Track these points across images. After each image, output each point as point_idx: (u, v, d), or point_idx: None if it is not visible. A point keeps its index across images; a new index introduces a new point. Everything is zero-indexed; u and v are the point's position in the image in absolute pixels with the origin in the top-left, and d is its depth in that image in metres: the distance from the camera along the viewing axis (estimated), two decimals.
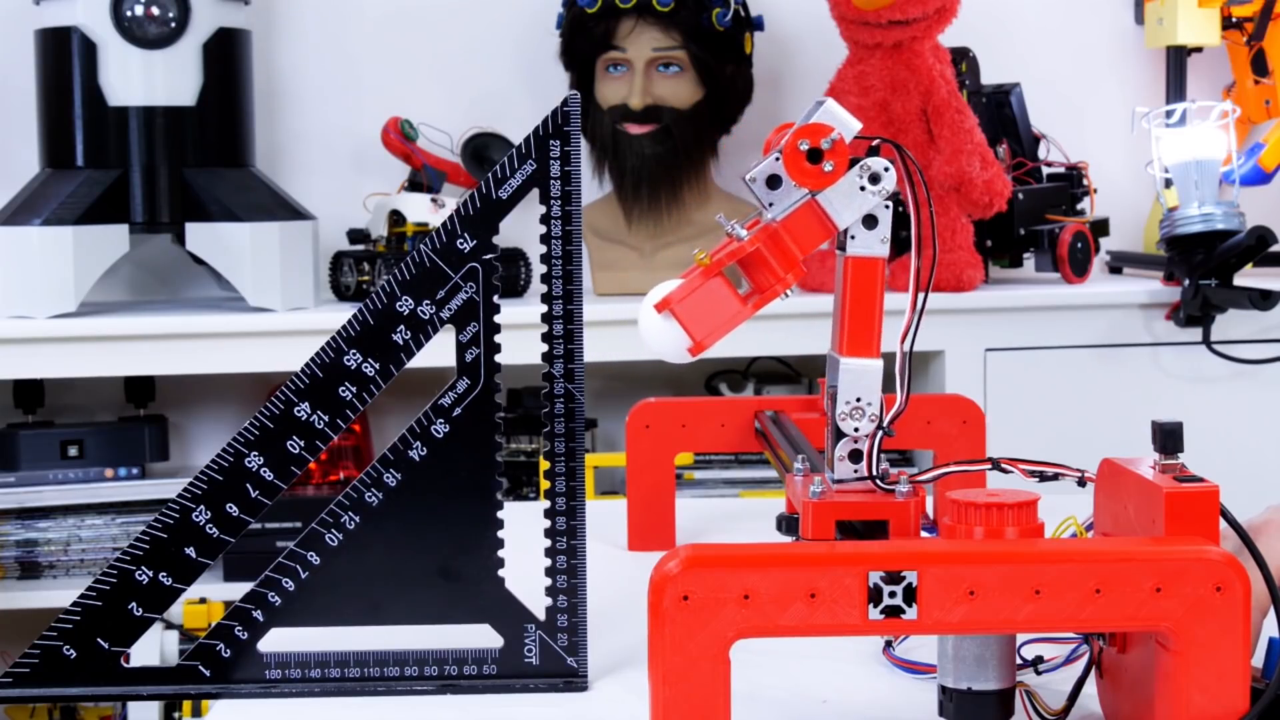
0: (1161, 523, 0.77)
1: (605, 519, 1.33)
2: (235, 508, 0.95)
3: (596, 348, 1.26)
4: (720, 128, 2.54)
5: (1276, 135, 2.51)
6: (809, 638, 0.76)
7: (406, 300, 0.95)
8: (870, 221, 0.93)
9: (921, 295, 0.93)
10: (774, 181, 0.91)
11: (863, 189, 0.92)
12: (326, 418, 0.95)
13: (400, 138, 2.51)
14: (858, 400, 0.94)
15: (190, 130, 2.36)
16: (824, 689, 0.95)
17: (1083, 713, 0.85)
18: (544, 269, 0.96)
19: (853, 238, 0.93)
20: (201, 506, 0.95)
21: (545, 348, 0.95)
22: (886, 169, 0.92)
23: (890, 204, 0.93)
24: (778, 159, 0.90)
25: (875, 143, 0.93)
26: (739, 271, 0.91)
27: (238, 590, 1.38)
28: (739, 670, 0.75)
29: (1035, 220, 2.50)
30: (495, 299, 0.96)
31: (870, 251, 0.93)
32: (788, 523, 1.03)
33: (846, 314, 0.94)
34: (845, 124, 0.91)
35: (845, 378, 0.94)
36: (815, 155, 0.90)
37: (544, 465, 1.06)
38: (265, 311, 2.34)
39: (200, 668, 0.96)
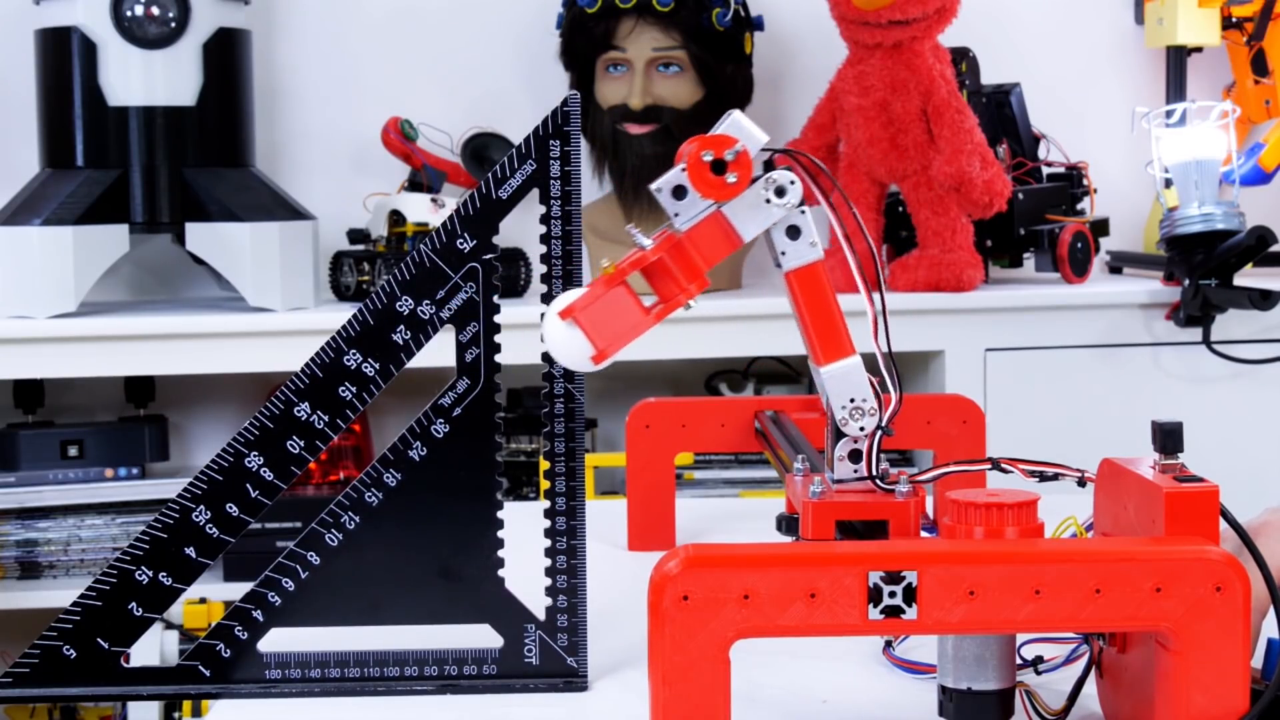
0: (1161, 523, 0.77)
1: (605, 519, 1.33)
2: (235, 508, 0.95)
3: None
4: None
5: (1276, 135, 2.51)
6: (809, 638, 0.76)
7: (406, 300, 0.95)
8: (793, 232, 0.93)
9: (878, 293, 0.93)
10: (680, 192, 0.91)
11: (768, 202, 0.92)
12: (326, 418, 0.95)
13: (400, 138, 2.51)
14: (851, 401, 0.94)
15: (190, 130, 2.36)
16: (824, 689, 0.95)
17: (1083, 713, 0.85)
18: (544, 269, 0.96)
19: (783, 253, 0.93)
20: (201, 506, 0.95)
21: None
22: (792, 182, 0.92)
23: (805, 210, 0.92)
24: (683, 170, 0.90)
25: (768, 155, 0.92)
26: (644, 281, 0.91)
27: (238, 590, 1.38)
28: (739, 670, 0.75)
29: (1035, 220, 2.50)
30: (495, 299, 0.96)
31: (805, 259, 0.93)
32: (788, 523, 1.03)
33: (808, 326, 0.94)
34: (751, 136, 0.90)
35: (831, 385, 0.94)
36: (719, 167, 0.90)
37: (544, 465, 1.06)
38: (265, 311, 2.34)
39: (200, 668, 0.96)
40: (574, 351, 0.89)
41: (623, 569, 1.21)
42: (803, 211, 0.92)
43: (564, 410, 0.96)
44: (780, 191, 0.92)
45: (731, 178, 0.90)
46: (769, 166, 0.93)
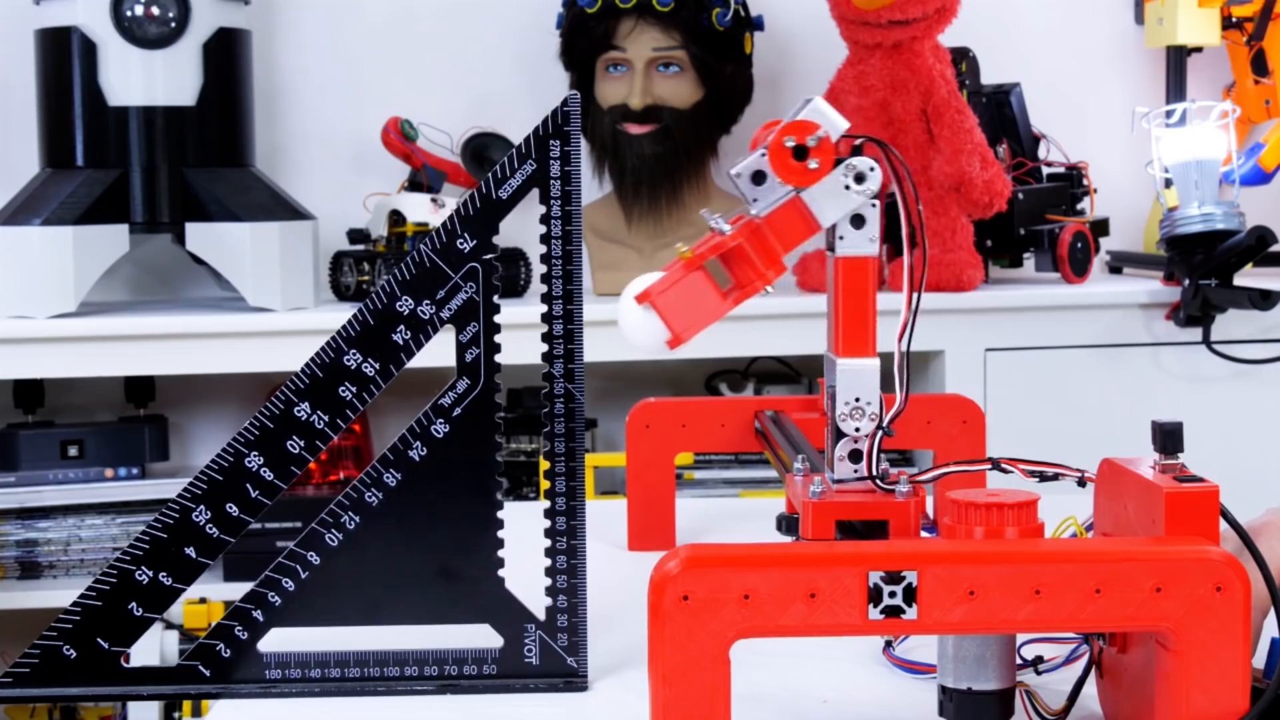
0: (1161, 523, 0.77)
1: (605, 519, 1.33)
2: (235, 508, 0.95)
3: (596, 348, 1.26)
4: (720, 128, 2.54)
5: (1276, 135, 2.51)
6: (809, 638, 0.76)
7: (406, 300, 0.95)
8: (858, 221, 0.93)
9: (916, 295, 0.93)
10: (759, 178, 0.91)
11: (847, 188, 0.92)
12: (326, 418, 0.95)
13: (400, 138, 2.51)
14: (857, 400, 0.94)
15: (190, 130, 2.36)
16: (824, 689, 0.95)
17: (1083, 713, 0.85)
18: (544, 269, 0.96)
19: (841, 238, 0.93)
20: (201, 506, 0.95)
21: (545, 348, 0.95)
22: (872, 169, 0.92)
23: (875, 203, 0.93)
24: (764, 155, 0.91)
25: (859, 142, 0.93)
26: (721, 266, 0.91)
27: (238, 590, 1.38)
28: (739, 670, 0.75)
29: (1035, 220, 2.50)
30: (495, 299, 0.96)
31: (860, 251, 0.93)
32: (788, 523, 1.03)
33: (840, 314, 0.94)
34: (832, 122, 0.91)
35: (843, 378, 0.94)
36: (801, 152, 0.90)
37: (544, 465, 1.06)
38: (265, 311, 2.34)
39: (200, 668, 0.96)
40: (650, 335, 0.90)
41: (623, 569, 1.21)
42: (874, 205, 0.92)
43: (564, 410, 0.96)
44: (860, 178, 0.92)
45: (813, 164, 0.90)
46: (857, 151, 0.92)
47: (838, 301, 0.94)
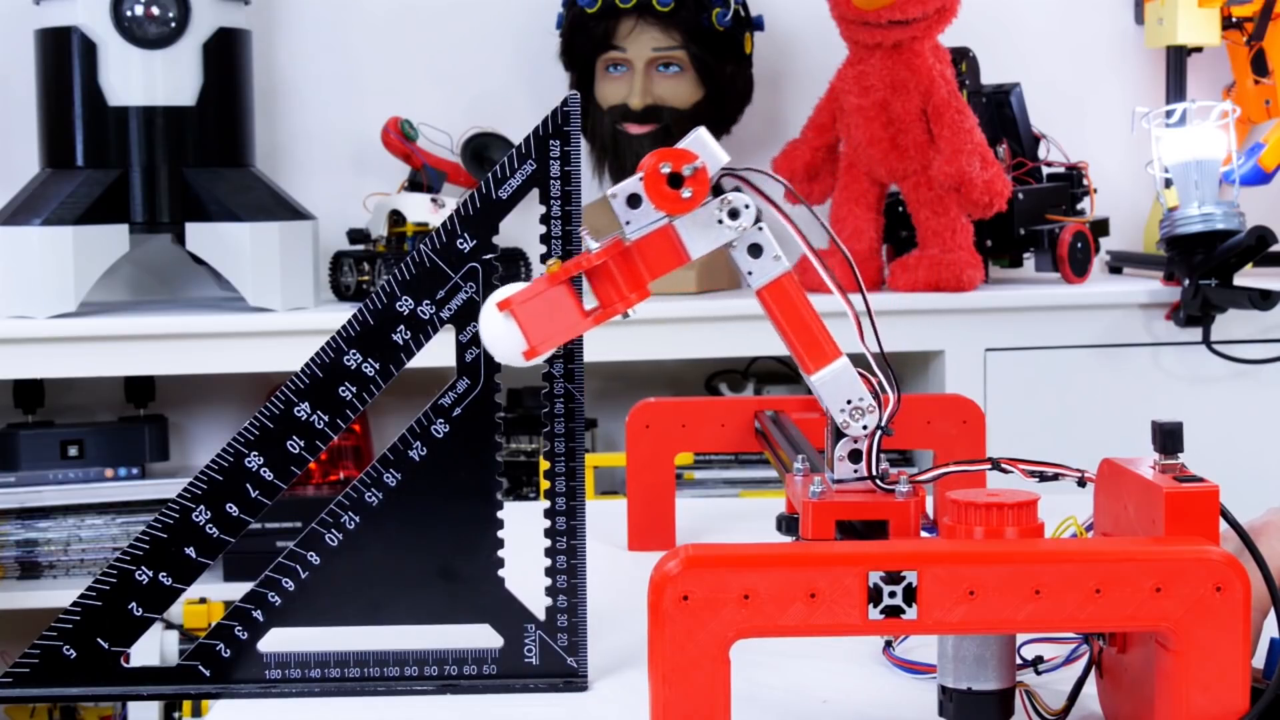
0: (1161, 523, 0.77)
1: (605, 519, 1.33)
2: (235, 508, 0.95)
3: (596, 348, 1.26)
4: (720, 128, 2.54)
5: (1276, 135, 2.51)
6: (809, 638, 0.76)
7: (406, 300, 0.95)
8: (755, 250, 0.93)
9: (859, 297, 0.93)
10: (634, 201, 0.92)
11: (720, 222, 0.92)
12: (326, 418, 0.95)
13: (400, 138, 2.51)
14: (849, 402, 0.94)
15: (190, 130, 2.36)
16: (824, 689, 0.95)
17: (1083, 713, 0.85)
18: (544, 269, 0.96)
19: (750, 273, 0.93)
20: (201, 506, 0.95)
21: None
22: (747, 206, 0.92)
23: (762, 226, 0.92)
24: (640, 179, 0.90)
25: (722, 176, 0.92)
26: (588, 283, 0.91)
27: (238, 590, 1.38)
28: (739, 670, 0.75)
29: (1035, 220, 2.50)
30: None
31: (774, 275, 0.94)
32: (788, 523, 1.03)
33: (790, 338, 0.94)
34: (713, 154, 0.90)
35: (825, 391, 0.94)
36: (676, 180, 0.90)
37: (544, 465, 1.06)
38: (265, 311, 2.34)
39: (200, 668, 0.96)
40: (507, 344, 0.91)
41: (623, 569, 1.21)
42: (760, 228, 0.92)
43: (564, 410, 0.96)
44: (734, 214, 0.92)
45: (686, 193, 0.90)
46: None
47: (782, 328, 0.95)
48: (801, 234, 0.94)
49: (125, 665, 0.95)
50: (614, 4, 2.43)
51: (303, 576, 0.95)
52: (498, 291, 0.91)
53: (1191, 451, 0.82)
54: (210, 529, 0.95)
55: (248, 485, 0.95)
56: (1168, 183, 2.33)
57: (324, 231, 2.52)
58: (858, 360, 0.95)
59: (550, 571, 0.96)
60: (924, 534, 0.93)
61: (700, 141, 0.90)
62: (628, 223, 0.92)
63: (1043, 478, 0.89)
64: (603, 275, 0.91)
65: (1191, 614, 0.74)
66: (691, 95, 2.47)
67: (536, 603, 0.96)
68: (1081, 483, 0.88)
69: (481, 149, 2.53)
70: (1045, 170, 2.56)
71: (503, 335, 0.90)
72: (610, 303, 0.91)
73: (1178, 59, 2.63)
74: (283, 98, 2.70)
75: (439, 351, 0.97)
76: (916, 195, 2.39)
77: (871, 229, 2.45)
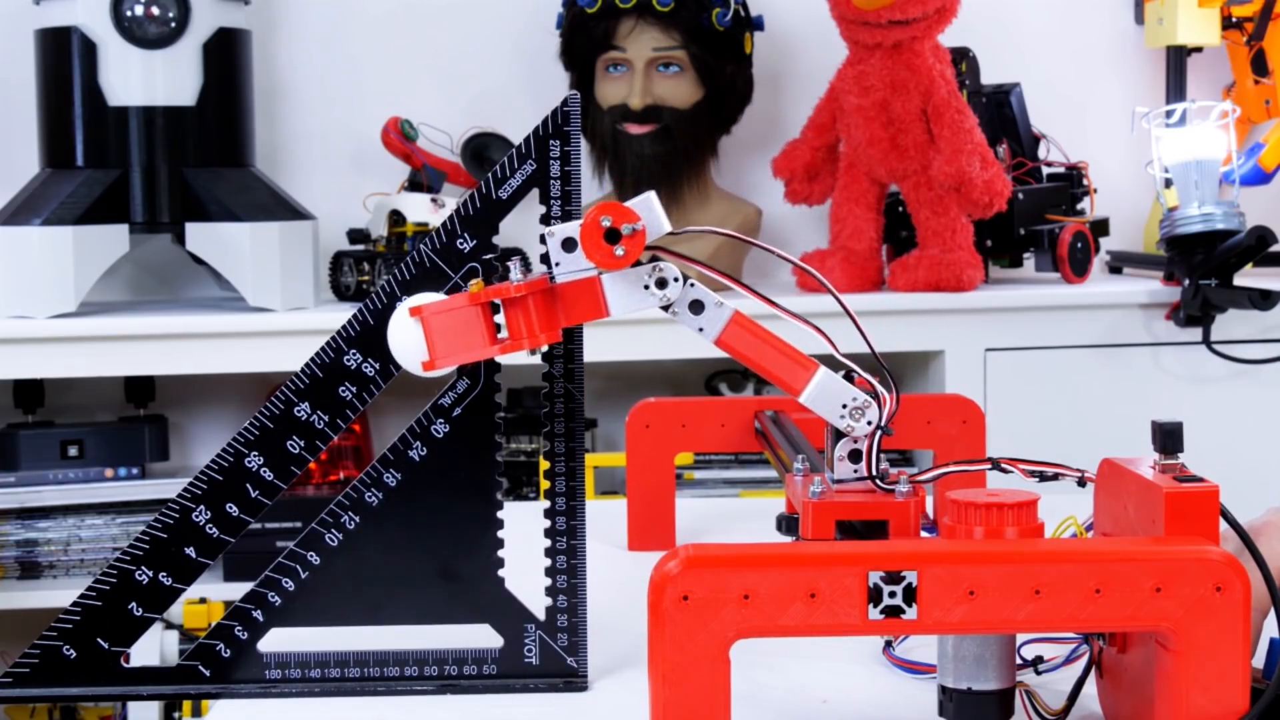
0: (1161, 523, 0.77)
1: (605, 519, 1.33)
2: (235, 508, 0.95)
3: (596, 348, 1.26)
4: (720, 128, 2.55)
5: (1276, 135, 2.51)
6: (809, 638, 0.76)
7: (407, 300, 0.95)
8: (697, 307, 0.92)
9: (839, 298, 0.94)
10: (569, 245, 0.91)
11: (646, 288, 0.92)
12: (326, 418, 0.95)
13: (400, 138, 2.51)
14: (844, 406, 0.94)
15: (190, 130, 2.36)
16: (824, 689, 0.95)
17: (1083, 713, 0.85)
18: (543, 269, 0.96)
19: (701, 330, 0.93)
20: (201, 506, 0.95)
21: (545, 348, 0.95)
22: (676, 279, 0.92)
23: (694, 284, 0.92)
24: (578, 225, 0.90)
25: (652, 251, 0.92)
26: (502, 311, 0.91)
27: (238, 590, 1.38)
28: (739, 670, 0.75)
29: (1035, 220, 2.50)
30: None
31: (724, 320, 0.93)
32: (788, 523, 1.03)
33: (766, 370, 0.94)
34: (656, 220, 0.90)
35: (817, 405, 0.94)
36: (613, 236, 0.90)
37: (544, 465, 1.06)
38: (265, 311, 2.34)
39: (200, 668, 0.96)
40: (408, 350, 0.92)
41: (623, 569, 1.21)
42: (691, 285, 0.92)
43: (564, 410, 0.96)
44: (661, 283, 0.92)
45: (620, 251, 0.90)
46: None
47: (753, 365, 0.94)
48: (750, 288, 0.94)
49: (125, 665, 0.95)
50: (614, 4, 2.43)
51: (303, 576, 0.95)
52: (415, 296, 0.91)
53: (1191, 451, 0.82)
54: (210, 529, 0.95)
55: (248, 485, 0.95)
56: (1168, 183, 2.33)
57: (324, 231, 2.52)
58: (858, 361, 0.95)
59: (550, 571, 0.96)
60: (924, 534, 0.93)
61: (648, 205, 0.90)
62: (558, 264, 0.91)
63: (1043, 478, 0.89)
64: (520, 308, 0.91)
65: (1191, 614, 0.74)
66: (691, 95, 2.47)
67: (536, 603, 0.96)
68: (1081, 483, 0.88)
69: (481, 149, 2.53)
70: (1045, 170, 2.56)
71: (406, 340, 0.91)
72: (518, 337, 0.91)
73: (1178, 59, 2.63)
74: (283, 98, 2.70)
75: None
76: (916, 195, 2.39)
77: (871, 229, 2.45)
